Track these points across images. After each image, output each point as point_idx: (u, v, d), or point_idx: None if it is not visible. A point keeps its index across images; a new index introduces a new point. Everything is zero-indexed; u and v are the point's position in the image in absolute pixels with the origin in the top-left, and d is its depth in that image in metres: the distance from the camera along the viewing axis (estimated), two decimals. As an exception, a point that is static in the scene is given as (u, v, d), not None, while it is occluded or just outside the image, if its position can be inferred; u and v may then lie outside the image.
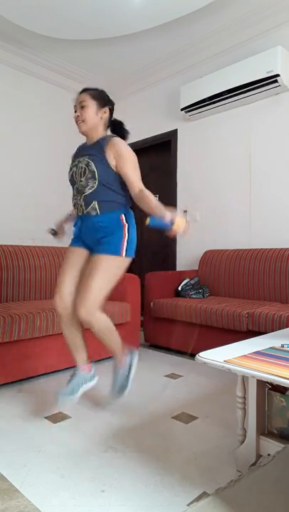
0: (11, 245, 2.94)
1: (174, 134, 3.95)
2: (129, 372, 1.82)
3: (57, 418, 1.77)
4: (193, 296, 3.13)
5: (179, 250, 3.92)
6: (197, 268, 3.56)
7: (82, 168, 1.78)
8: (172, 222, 1.57)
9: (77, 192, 1.81)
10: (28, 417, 1.78)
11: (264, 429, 1.31)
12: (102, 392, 2.07)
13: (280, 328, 2.27)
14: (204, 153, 3.70)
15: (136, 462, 1.38)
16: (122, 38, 3.41)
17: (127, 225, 1.79)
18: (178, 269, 3.90)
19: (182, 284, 3.24)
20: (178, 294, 3.21)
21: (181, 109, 3.61)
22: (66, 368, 2.49)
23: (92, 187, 1.74)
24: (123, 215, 1.80)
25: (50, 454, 1.44)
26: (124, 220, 1.79)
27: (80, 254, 1.85)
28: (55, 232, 2.11)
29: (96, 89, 1.86)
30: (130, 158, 1.74)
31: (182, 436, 1.58)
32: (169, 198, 4.02)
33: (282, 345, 1.37)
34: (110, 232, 1.76)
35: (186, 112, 3.62)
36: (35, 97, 3.87)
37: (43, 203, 3.90)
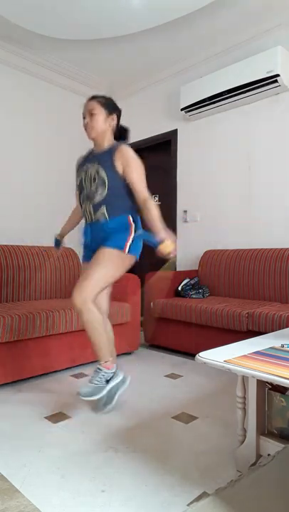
0: (11, 245, 2.94)
1: (174, 134, 3.95)
2: (105, 384, 1.75)
3: (57, 418, 1.77)
4: (193, 296, 3.13)
5: (178, 250, 3.92)
6: (197, 268, 3.56)
7: (92, 175, 1.82)
8: (161, 242, 1.65)
9: (87, 198, 1.85)
10: (28, 417, 1.78)
11: (264, 429, 1.31)
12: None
13: (280, 328, 2.27)
14: (204, 153, 3.70)
15: (136, 462, 1.38)
16: (122, 38, 3.40)
17: (134, 224, 1.85)
18: (178, 269, 3.90)
19: (182, 284, 3.24)
20: (178, 294, 3.21)
21: (181, 109, 3.61)
22: (66, 368, 2.49)
23: (102, 193, 1.79)
24: (130, 216, 1.85)
25: (50, 454, 1.44)
26: (132, 221, 1.85)
27: None
28: (58, 243, 2.16)
29: (104, 97, 1.90)
30: (137, 167, 1.80)
31: (182, 436, 1.59)
32: (169, 198, 4.03)
33: (282, 345, 1.37)
34: (117, 230, 1.81)
35: (186, 112, 3.62)
36: (35, 97, 3.87)
37: (43, 203, 3.90)
